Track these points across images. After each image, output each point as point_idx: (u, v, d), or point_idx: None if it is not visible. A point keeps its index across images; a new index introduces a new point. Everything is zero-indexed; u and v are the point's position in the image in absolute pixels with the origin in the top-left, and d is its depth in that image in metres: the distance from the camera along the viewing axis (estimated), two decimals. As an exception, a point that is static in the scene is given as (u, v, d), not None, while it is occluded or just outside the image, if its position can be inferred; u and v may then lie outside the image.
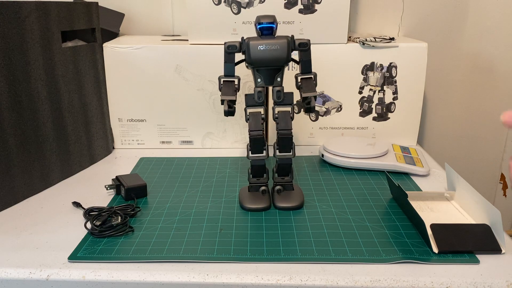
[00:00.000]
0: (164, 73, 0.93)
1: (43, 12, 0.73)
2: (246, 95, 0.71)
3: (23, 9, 0.69)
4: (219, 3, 0.90)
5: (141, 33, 1.15)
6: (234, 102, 0.71)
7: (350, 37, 0.99)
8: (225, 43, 0.69)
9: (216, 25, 0.91)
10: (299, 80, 0.72)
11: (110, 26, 1.02)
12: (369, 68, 0.95)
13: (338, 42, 0.93)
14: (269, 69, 0.69)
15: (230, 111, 0.71)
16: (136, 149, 0.98)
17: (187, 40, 0.94)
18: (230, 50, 0.69)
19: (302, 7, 0.90)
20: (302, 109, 0.73)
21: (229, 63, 0.71)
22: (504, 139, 1.26)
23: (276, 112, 0.71)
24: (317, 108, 0.98)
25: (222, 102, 0.71)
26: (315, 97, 0.71)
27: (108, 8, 1.05)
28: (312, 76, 0.72)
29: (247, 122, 0.70)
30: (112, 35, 1.03)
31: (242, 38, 0.69)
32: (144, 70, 0.93)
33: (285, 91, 0.71)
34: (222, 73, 0.70)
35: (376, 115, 0.98)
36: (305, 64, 0.72)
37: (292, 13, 0.91)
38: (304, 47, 0.70)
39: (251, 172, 0.73)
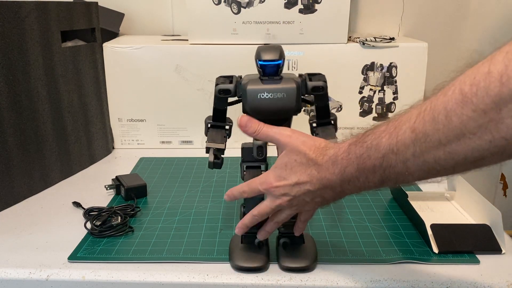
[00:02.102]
0: (164, 73, 0.93)
1: (42, 12, 0.73)
2: (243, 148, 0.58)
3: (22, 8, 0.69)
4: (219, 3, 0.90)
5: (141, 33, 1.15)
6: (222, 151, 0.59)
7: (350, 37, 0.99)
8: (216, 84, 0.56)
9: (216, 25, 0.91)
10: (314, 125, 0.59)
11: (110, 26, 1.02)
12: (369, 68, 0.95)
13: (338, 42, 0.93)
14: (272, 120, 0.54)
15: (216, 163, 0.58)
16: (136, 149, 0.98)
17: (187, 40, 0.94)
18: (222, 95, 0.56)
19: (302, 7, 0.90)
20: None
21: (221, 109, 0.58)
22: (504, 139, 1.26)
23: None
24: (317, 108, 0.98)
25: (207, 150, 0.58)
26: None
27: (108, 8, 1.05)
28: (332, 120, 0.59)
29: (242, 179, 0.57)
30: (112, 35, 1.03)
31: (238, 80, 0.56)
32: (144, 70, 0.93)
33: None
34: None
35: (376, 115, 0.98)
36: (322, 110, 0.58)
37: (292, 13, 0.91)
38: (319, 91, 0.55)
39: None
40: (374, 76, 0.96)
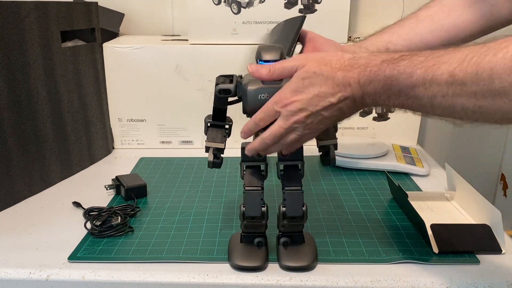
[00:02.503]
0: (164, 73, 0.93)
1: (42, 12, 0.73)
2: (242, 147, 0.57)
3: (22, 8, 0.69)
4: (219, 3, 0.90)
5: (141, 33, 1.15)
6: (221, 151, 0.59)
7: (350, 37, 0.99)
8: (216, 83, 0.56)
9: (216, 25, 0.91)
10: None
11: (110, 26, 1.02)
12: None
13: (338, 42, 0.93)
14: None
15: (215, 163, 0.58)
16: (136, 149, 0.98)
17: (187, 40, 0.94)
18: (222, 95, 0.56)
19: (302, 7, 0.90)
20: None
21: (221, 108, 0.58)
22: (504, 139, 1.26)
23: (282, 171, 0.57)
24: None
25: (207, 149, 0.58)
26: (335, 145, 0.58)
27: (108, 8, 1.05)
28: None
29: (242, 178, 0.58)
30: (112, 35, 1.03)
31: (239, 79, 0.56)
32: (144, 70, 0.93)
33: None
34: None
35: (376, 115, 0.98)
36: None
37: (292, 13, 0.91)
38: None
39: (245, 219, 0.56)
40: (374, 76, 0.96)
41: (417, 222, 0.63)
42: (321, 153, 0.59)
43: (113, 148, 0.98)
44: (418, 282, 0.53)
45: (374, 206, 0.71)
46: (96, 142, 0.90)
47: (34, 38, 0.72)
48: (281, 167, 0.57)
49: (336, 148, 0.58)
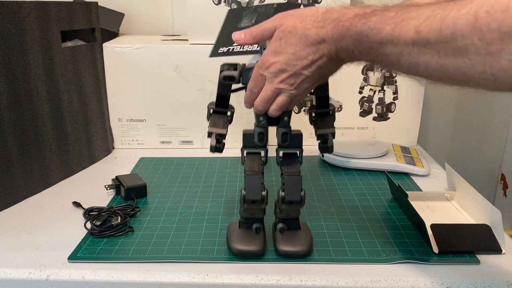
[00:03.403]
0: (164, 73, 0.93)
1: (42, 11, 0.73)
2: (244, 134, 0.59)
3: (22, 8, 0.69)
4: (219, 3, 0.90)
5: (141, 33, 1.15)
6: (223, 136, 0.61)
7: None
8: (221, 70, 0.58)
9: (216, 25, 0.91)
10: (313, 115, 0.61)
11: (110, 26, 1.02)
12: (369, 68, 0.95)
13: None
14: None
15: (218, 147, 0.60)
16: (136, 149, 0.98)
17: (187, 40, 0.94)
18: (226, 82, 0.57)
19: (302, 7, 0.90)
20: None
21: (224, 95, 0.59)
22: (504, 139, 1.26)
23: (281, 158, 0.59)
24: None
25: (209, 135, 0.60)
26: (333, 134, 0.60)
27: (108, 8, 1.05)
28: (330, 111, 0.60)
29: (242, 164, 0.59)
30: (112, 35, 1.03)
31: (243, 67, 0.57)
32: (144, 70, 0.93)
33: (292, 129, 0.58)
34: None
35: (376, 115, 0.98)
36: (321, 100, 0.59)
37: (292, 13, 0.91)
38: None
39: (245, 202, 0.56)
40: (374, 76, 0.96)
41: (417, 222, 0.63)
42: (319, 141, 0.61)
43: (113, 148, 0.98)
44: (418, 282, 0.53)
45: (374, 206, 0.71)
46: (96, 142, 0.90)
47: (34, 38, 0.72)
48: (281, 154, 0.59)
49: (334, 137, 0.60)
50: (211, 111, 0.61)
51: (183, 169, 0.87)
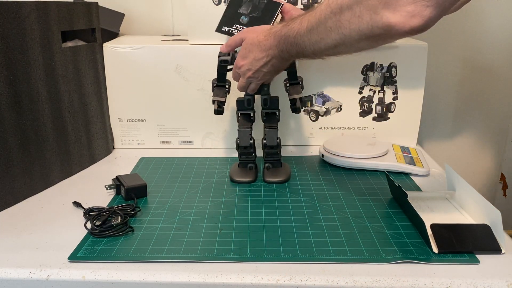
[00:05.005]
0: (164, 73, 0.93)
1: (43, 12, 0.73)
2: (237, 100, 0.81)
3: (23, 9, 0.69)
4: (219, 3, 0.90)
5: (141, 33, 1.15)
6: (223, 103, 0.83)
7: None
8: (219, 56, 0.79)
9: (216, 25, 0.91)
10: (287, 85, 0.82)
11: (110, 26, 1.02)
12: (369, 68, 0.95)
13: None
14: None
15: (219, 110, 0.83)
16: (136, 149, 0.98)
17: (187, 40, 0.94)
18: (222, 64, 0.79)
19: (302, 7, 0.90)
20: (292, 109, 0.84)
21: (222, 73, 0.81)
22: (504, 139, 1.26)
23: (264, 117, 0.82)
24: (317, 108, 0.98)
25: (213, 102, 0.83)
26: (300, 99, 0.81)
27: (108, 8, 1.05)
28: (299, 81, 0.81)
29: (238, 122, 0.82)
30: (112, 35, 1.03)
31: (234, 53, 0.79)
32: (144, 70, 0.93)
33: (272, 96, 0.80)
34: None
35: (376, 115, 0.98)
36: (291, 74, 0.81)
37: (292, 13, 0.91)
38: None
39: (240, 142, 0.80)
40: (374, 76, 0.96)
41: (417, 222, 0.63)
42: (290, 104, 0.82)
43: (113, 148, 0.98)
44: (418, 282, 0.53)
45: (374, 206, 0.71)
46: (96, 142, 0.90)
47: (35, 38, 0.72)
48: (264, 114, 0.82)
49: (301, 101, 0.88)
50: (214, 84, 0.82)
51: (183, 169, 0.87)
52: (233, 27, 0.85)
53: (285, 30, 0.67)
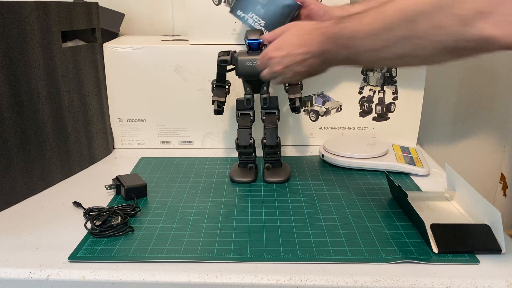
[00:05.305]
0: (164, 73, 0.93)
1: (43, 12, 0.73)
2: (237, 100, 0.82)
3: (23, 9, 0.69)
4: (219, 3, 0.90)
5: (141, 33, 1.15)
6: (223, 103, 0.84)
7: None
8: (218, 56, 0.79)
9: (216, 25, 0.91)
10: (287, 85, 0.82)
11: (110, 26, 1.02)
12: (369, 68, 0.95)
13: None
14: (255, 80, 0.76)
15: (218, 111, 0.83)
16: (136, 149, 0.98)
17: (187, 40, 0.94)
18: (222, 64, 0.79)
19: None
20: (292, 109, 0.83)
21: (221, 73, 0.81)
22: (504, 139, 1.26)
23: (264, 116, 0.82)
24: (317, 108, 0.98)
25: (213, 102, 0.83)
26: (300, 98, 0.81)
27: (108, 8, 1.05)
28: (299, 81, 0.81)
29: (237, 122, 0.81)
30: (112, 35, 1.03)
31: (233, 53, 0.78)
32: (144, 70, 0.93)
33: (271, 95, 0.80)
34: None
35: (376, 115, 0.98)
36: None
37: (292, 13, 0.91)
38: None
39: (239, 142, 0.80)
40: (374, 76, 0.96)
41: (417, 222, 0.63)
42: (290, 103, 0.82)
43: (113, 148, 0.98)
44: (418, 282, 0.53)
45: (374, 206, 0.71)
46: (96, 142, 0.90)
47: (35, 38, 0.72)
48: (264, 113, 0.82)
49: (301, 100, 0.88)
50: (214, 85, 0.83)
51: (183, 169, 0.87)
52: (249, 14, 0.82)
53: (336, 29, 0.57)
